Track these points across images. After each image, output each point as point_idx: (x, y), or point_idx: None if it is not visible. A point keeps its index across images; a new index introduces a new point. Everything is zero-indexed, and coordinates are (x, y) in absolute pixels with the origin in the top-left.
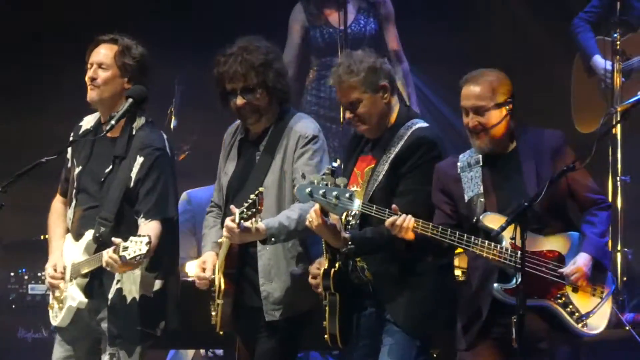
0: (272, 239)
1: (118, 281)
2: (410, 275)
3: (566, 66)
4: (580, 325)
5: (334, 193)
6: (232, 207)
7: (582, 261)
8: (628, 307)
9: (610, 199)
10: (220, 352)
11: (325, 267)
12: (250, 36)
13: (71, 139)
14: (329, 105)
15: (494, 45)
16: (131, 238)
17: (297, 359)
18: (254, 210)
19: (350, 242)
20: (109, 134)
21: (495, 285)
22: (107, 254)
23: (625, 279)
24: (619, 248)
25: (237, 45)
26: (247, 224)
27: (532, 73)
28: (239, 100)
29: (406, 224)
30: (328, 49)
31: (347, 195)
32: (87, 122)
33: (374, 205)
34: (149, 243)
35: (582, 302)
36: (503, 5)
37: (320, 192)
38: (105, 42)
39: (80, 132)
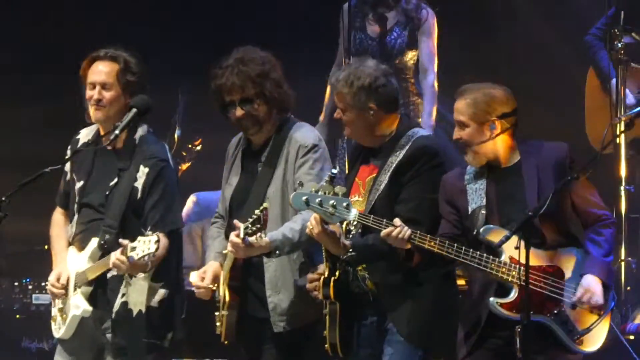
0: (277, 252)
1: (123, 295)
2: (412, 285)
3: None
4: (576, 342)
5: (331, 202)
6: (235, 222)
7: (591, 284)
8: (631, 317)
9: (613, 209)
10: None
11: (325, 275)
12: (246, 47)
13: (69, 151)
14: None
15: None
16: (139, 238)
17: None
18: (259, 225)
19: (351, 249)
20: (110, 146)
21: (491, 299)
22: (115, 255)
23: (629, 288)
24: (622, 257)
25: (233, 57)
26: (252, 239)
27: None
28: (238, 112)
29: (402, 235)
30: (356, 55)
31: (344, 204)
32: (85, 134)
33: (372, 215)
34: (157, 242)
35: (579, 318)
36: (512, 14)
37: (317, 200)
38: (103, 60)
39: (79, 145)
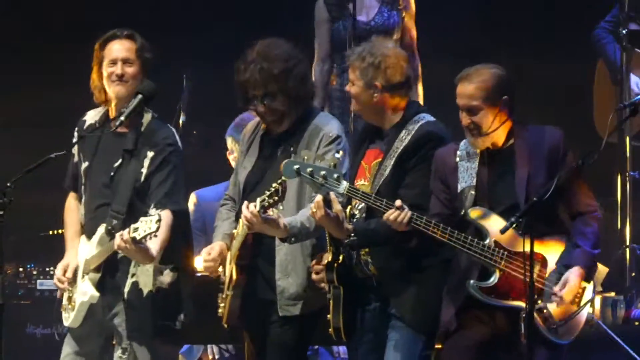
0: (292, 239)
1: (133, 275)
2: (415, 270)
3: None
4: (551, 332)
5: (322, 173)
6: (246, 202)
7: (574, 279)
8: (636, 303)
9: (619, 195)
10: (227, 347)
11: (329, 260)
12: (271, 40)
13: (76, 134)
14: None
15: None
16: (141, 218)
17: (307, 354)
18: (277, 198)
19: (352, 234)
20: (117, 129)
21: (471, 282)
22: (119, 237)
23: (633, 274)
24: (627, 244)
25: (256, 50)
26: (269, 212)
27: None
28: (260, 108)
29: (402, 217)
30: (351, 42)
31: (335, 176)
32: (91, 116)
33: (360, 190)
34: (158, 221)
35: (557, 308)
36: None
37: (308, 170)
38: (120, 38)
39: (85, 126)
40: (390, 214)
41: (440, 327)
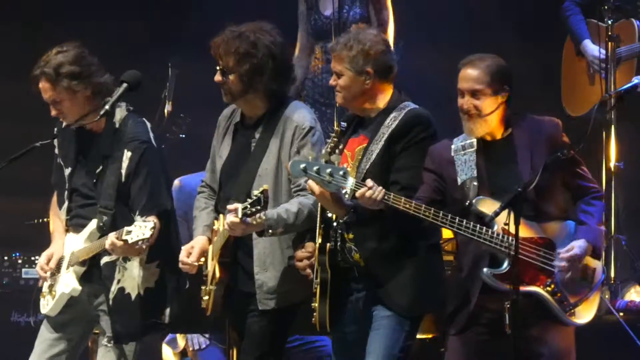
0: (270, 231)
1: (119, 281)
2: (398, 257)
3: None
4: (568, 313)
5: (328, 170)
6: (235, 204)
7: (578, 248)
8: (621, 294)
9: (604, 186)
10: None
11: (320, 242)
12: (269, 27)
13: (56, 131)
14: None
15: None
16: (135, 223)
17: (286, 343)
18: (259, 207)
19: (352, 210)
20: (91, 129)
21: (485, 270)
22: (110, 238)
23: (618, 265)
24: (612, 234)
25: (246, 26)
26: (250, 220)
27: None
28: (216, 77)
29: (375, 195)
30: (318, 35)
31: (341, 172)
32: None
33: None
34: (153, 228)
35: (571, 290)
36: None
37: (314, 168)
38: (39, 80)
39: (64, 126)
40: (363, 192)
41: (445, 325)
